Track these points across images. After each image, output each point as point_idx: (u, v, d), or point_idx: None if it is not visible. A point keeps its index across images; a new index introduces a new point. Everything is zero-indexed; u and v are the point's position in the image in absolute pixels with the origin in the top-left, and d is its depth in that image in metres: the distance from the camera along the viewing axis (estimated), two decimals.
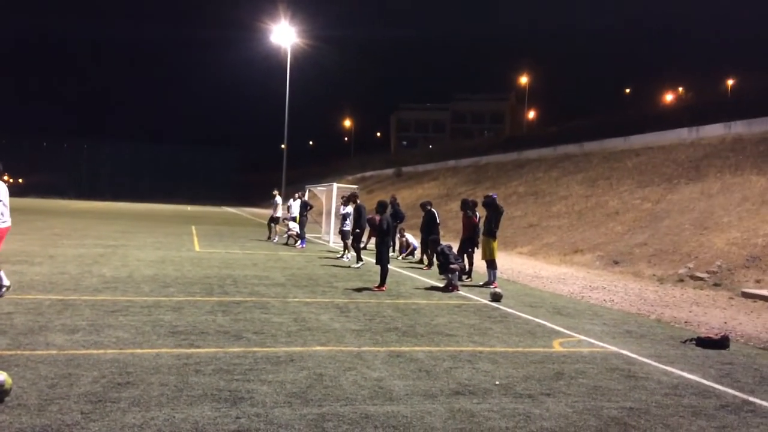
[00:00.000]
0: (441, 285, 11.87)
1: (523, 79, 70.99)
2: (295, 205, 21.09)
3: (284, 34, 48.16)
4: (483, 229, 12.81)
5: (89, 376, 5.09)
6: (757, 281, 12.33)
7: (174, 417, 4.28)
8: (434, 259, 14.14)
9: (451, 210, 29.65)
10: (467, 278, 13.06)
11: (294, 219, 20.87)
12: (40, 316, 7.28)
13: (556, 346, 7.24)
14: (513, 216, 24.91)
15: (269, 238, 22.28)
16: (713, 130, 25.02)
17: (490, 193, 13.39)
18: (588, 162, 30.01)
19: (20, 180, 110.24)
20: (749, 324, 9.31)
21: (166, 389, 4.85)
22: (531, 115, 74.91)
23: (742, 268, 13.09)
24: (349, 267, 14.61)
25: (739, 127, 23.76)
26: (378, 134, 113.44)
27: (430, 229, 15.22)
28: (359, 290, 10.92)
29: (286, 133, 50.22)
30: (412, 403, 4.87)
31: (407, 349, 6.69)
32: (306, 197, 21.91)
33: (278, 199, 22.69)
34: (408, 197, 38.79)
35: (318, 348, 6.49)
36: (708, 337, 7.67)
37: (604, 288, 12.82)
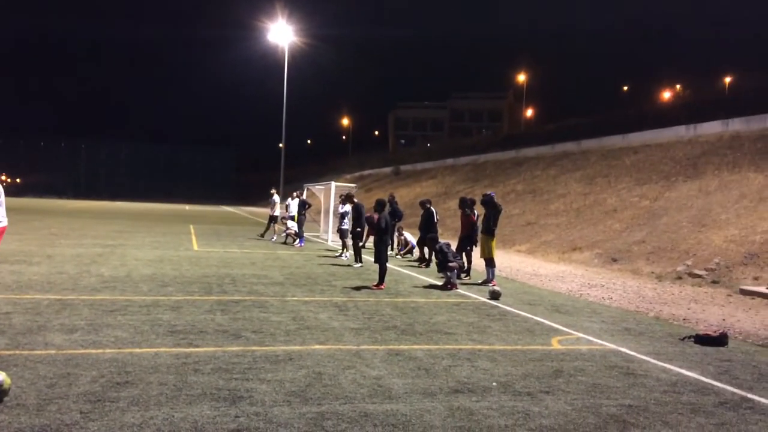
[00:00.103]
0: (440, 283, 11.87)
1: (521, 77, 71.02)
2: (294, 204, 21.10)
3: (282, 33, 48.16)
4: (482, 228, 12.82)
5: (88, 375, 5.08)
6: (755, 278, 12.35)
7: (173, 416, 4.28)
8: (433, 257, 14.15)
9: (449, 208, 29.66)
10: (466, 276, 13.07)
11: (292, 218, 20.88)
12: (38, 316, 7.27)
13: (555, 344, 7.24)
14: (511, 214, 24.92)
15: (262, 235, 22.32)
16: (711, 128, 25.04)
17: (489, 192, 13.40)
18: (586, 160, 30.03)
19: (18, 180, 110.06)
20: (747, 321, 9.32)
21: (165, 388, 4.85)
22: (529, 113, 74.89)
23: (740, 265, 13.11)
24: (350, 266, 14.60)
25: (736, 125, 23.79)
26: (376, 133, 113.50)
27: (428, 228, 15.23)
28: (358, 289, 10.92)
29: (284, 132, 50.21)
30: (411, 401, 4.88)
31: (406, 347, 6.69)
32: (304, 196, 21.91)
33: (276, 197, 22.68)
34: (406, 196, 38.79)
35: (317, 347, 6.49)
36: (706, 334, 7.68)
37: (603, 285, 12.83)
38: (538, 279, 13.76)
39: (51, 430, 3.94)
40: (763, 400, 5.38)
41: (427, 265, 15.06)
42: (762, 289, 11.52)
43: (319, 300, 9.54)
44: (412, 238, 18.04)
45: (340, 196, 17.50)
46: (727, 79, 49.85)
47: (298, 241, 20.02)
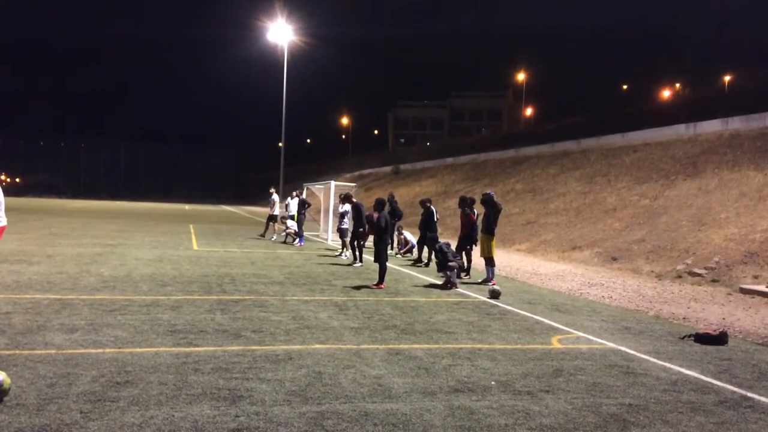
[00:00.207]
0: (439, 282, 11.87)
1: (521, 77, 70.99)
2: (293, 204, 21.10)
3: (281, 33, 48.13)
4: (482, 227, 12.82)
5: (88, 375, 5.08)
6: (755, 277, 12.35)
7: (173, 416, 4.28)
8: (432, 256, 14.15)
9: (449, 207, 29.67)
10: (466, 276, 13.06)
11: (292, 217, 20.87)
12: (38, 316, 7.27)
13: (555, 343, 7.24)
14: (511, 213, 24.92)
15: (263, 234, 22.30)
16: (711, 126, 25.04)
17: (488, 191, 13.39)
18: (586, 159, 30.03)
19: (17, 179, 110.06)
20: (747, 320, 9.33)
21: (165, 388, 4.85)
22: (528, 112, 74.88)
23: (739, 264, 13.11)
24: (350, 265, 14.59)
25: (736, 123, 23.79)
26: (376, 132, 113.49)
27: (428, 227, 15.23)
28: (358, 288, 10.92)
29: (283, 131, 50.20)
30: (411, 400, 4.88)
31: (406, 346, 6.69)
32: (304, 195, 21.90)
33: (275, 197, 22.66)
34: (406, 195, 38.79)
35: (317, 346, 6.49)
36: (706, 333, 7.69)
37: (603, 284, 12.83)
38: (537, 278, 13.76)
39: (51, 429, 3.94)
40: (762, 398, 5.38)
41: (427, 265, 15.06)
42: (762, 287, 11.52)
43: (319, 299, 9.55)
44: (412, 237, 18.04)
45: (340, 196, 17.50)
46: (727, 78, 49.82)
47: (297, 240, 20.02)
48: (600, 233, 18.92)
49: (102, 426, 4.04)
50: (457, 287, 11.41)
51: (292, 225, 20.55)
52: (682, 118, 27.54)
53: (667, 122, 27.99)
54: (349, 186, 23.39)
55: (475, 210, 13.72)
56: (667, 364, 6.43)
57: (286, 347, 6.38)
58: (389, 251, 14.42)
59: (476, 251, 13.50)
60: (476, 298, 10.48)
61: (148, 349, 6.00)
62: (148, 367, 5.41)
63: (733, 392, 5.54)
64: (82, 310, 7.78)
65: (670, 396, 5.33)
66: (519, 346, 6.97)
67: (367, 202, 20.39)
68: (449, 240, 14.86)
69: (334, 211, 21.02)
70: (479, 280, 12.55)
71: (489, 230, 12.51)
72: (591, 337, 7.64)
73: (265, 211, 25.60)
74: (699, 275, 13.19)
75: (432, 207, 15.61)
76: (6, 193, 5.58)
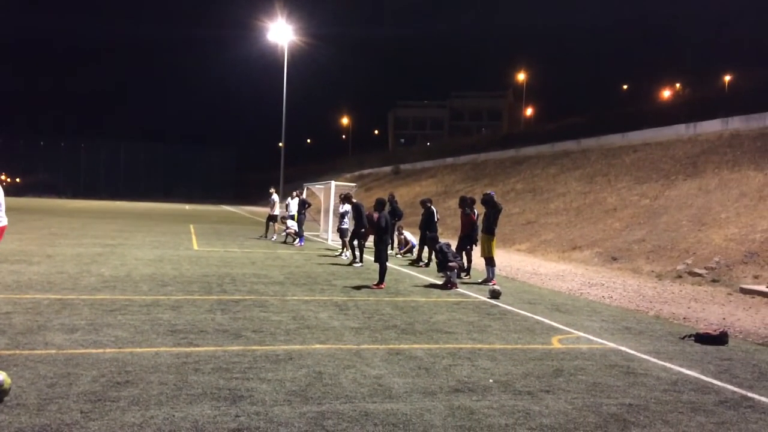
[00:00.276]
0: (440, 282, 11.87)
1: (521, 76, 70.99)
2: (294, 204, 21.09)
3: (281, 33, 48.14)
4: (482, 227, 12.81)
5: (88, 375, 5.08)
6: (755, 277, 12.35)
7: (174, 416, 4.28)
8: (433, 256, 14.15)
9: (449, 207, 29.67)
10: (466, 276, 13.06)
11: (292, 217, 20.87)
12: (38, 316, 7.27)
13: (555, 343, 7.24)
14: (511, 213, 24.92)
15: (265, 236, 22.26)
16: (711, 126, 25.04)
17: (489, 191, 13.39)
18: (586, 159, 30.03)
19: (18, 179, 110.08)
20: (747, 320, 9.33)
21: (166, 388, 4.85)
22: (529, 112, 74.89)
23: (740, 264, 13.11)
24: (350, 265, 14.59)
25: (736, 123, 23.79)
26: (376, 132, 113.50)
27: (428, 227, 15.22)
28: (358, 288, 10.92)
29: (283, 131, 50.22)
30: (411, 400, 4.88)
31: (406, 346, 6.69)
32: (304, 195, 21.90)
33: (275, 197, 22.64)
34: (406, 195, 38.79)
35: (317, 346, 6.49)
36: (707, 333, 7.69)
37: (603, 284, 12.83)
38: (538, 278, 13.76)
39: (51, 429, 3.94)
40: (763, 398, 5.38)
41: (427, 265, 15.06)
42: (762, 287, 11.52)
43: (320, 299, 9.55)
44: (412, 237, 18.04)
45: (340, 196, 17.51)
46: (727, 78, 49.82)
47: (298, 240, 20.02)
48: (600, 233, 18.92)
49: (102, 426, 4.04)
50: (457, 287, 11.41)
51: (293, 225, 20.55)
52: (682, 118, 27.54)
53: (667, 122, 28.00)
54: (349, 186, 23.39)
55: (475, 210, 13.72)
56: (668, 364, 6.43)
57: (286, 347, 6.38)
58: (389, 251, 14.42)
59: (476, 251, 13.50)
60: (476, 298, 10.48)
61: (149, 349, 6.00)
62: (148, 367, 5.41)
63: (734, 392, 5.54)
64: (83, 310, 7.78)
65: (671, 396, 5.33)
66: (519, 346, 6.97)
67: (368, 202, 20.40)
68: (449, 240, 14.86)
69: (334, 211, 21.02)
70: (479, 280, 12.55)
71: (489, 230, 12.51)
72: (591, 337, 7.64)
73: (265, 211, 25.56)
74: (699, 275, 13.19)
75: (432, 207, 15.60)
76: (6, 193, 5.58)
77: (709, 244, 14.66)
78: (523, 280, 13.35)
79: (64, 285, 9.64)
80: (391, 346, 6.68)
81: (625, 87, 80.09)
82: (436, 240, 13.42)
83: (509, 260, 17.12)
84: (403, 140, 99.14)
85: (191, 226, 27.55)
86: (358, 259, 14.69)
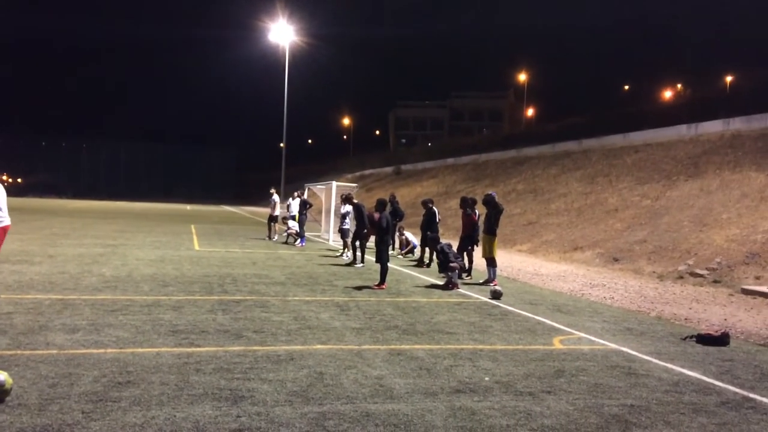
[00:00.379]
0: (441, 283, 11.87)
1: (522, 77, 70.99)
2: (295, 204, 21.09)
3: (282, 33, 48.17)
4: (484, 227, 12.80)
5: (90, 375, 5.08)
6: (757, 278, 12.34)
7: (175, 416, 4.28)
8: (434, 257, 14.14)
9: (450, 208, 29.65)
10: (467, 276, 13.06)
11: (293, 217, 20.86)
12: (40, 316, 7.27)
13: (557, 344, 7.24)
14: (512, 213, 24.91)
15: (269, 237, 22.23)
16: (712, 127, 25.02)
17: (490, 191, 13.39)
18: (587, 159, 30.01)
19: (19, 180, 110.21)
20: (749, 320, 9.32)
21: (167, 388, 4.85)
22: (530, 112, 74.88)
23: (741, 264, 13.10)
24: (351, 265, 14.58)
25: (737, 124, 23.77)
26: (377, 132, 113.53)
27: (430, 227, 15.22)
28: (359, 288, 10.92)
29: (284, 131, 50.26)
30: (412, 401, 4.87)
31: (407, 347, 6.69)
32: (305, 196, 21.89)
33: (276, 197, 22.63)
34: (407, 195, 38.79)
35: (318, 346, 6.49)
36: (708, 333, 7.68)
37: (604, 285, 12.82)
38: (539, 279, 13.75)
39: (53, 429, 3.94)
40: (764, 399, 5.37)
41: (428, 266, 15.05)
42: (764, 288, 11.50)
43: (321, 300, 9.54)
44: (413, 237, 18.04)
45: (341, 196, 17.51)
46: (728, 78, 49.80)
47: (299, 240, 20.02)
48: (601, 234, 18.91)
49: (104, 426, 4.04)
50: (458, 288, 11.41)
51: (294, 225, 20.55)
52: (684, 118, 27.51)
53: (669, 123, 27.97)
54: (350, 186, 23.39)
55: (476, 210, 13.71)
56: (669, 365, 6.42)
57: (287, 348, 6.37)
58: (390, 252, 14.41)
59: (478, 252, 13.50)
60: (478, 298, 10.47)
61: (150, 350, 6.00)
62: (149, 367, 5.41)
63: (735, 393, 5.53)
64: (84, 310, 7.79)
65: (672, 397, 5.32)
66: (520, 347, 6.97)
67: (369, 203, 20.40)
68: (450, 240, 14.86)
69: (335, 211, 21.01)
70: (481, 281, 12.54)
71: (491, 231, 12.50)
72: (593, 338, 7.64)
73: (266, 211, 25.56)
74: (701, 276, 13.17)
75: (434, 207, 15.60)
76: (7, 194, 5.59)
77: (711, 244, 14.65)
78: (524, 281, 13.35)
79: (66, 285, 9.65)
80: (393, 346, 6.68)
81: (626, 87, 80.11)
82: (437, 240, 13.44)
83: (510, 261, 17.11)
84: (404, 140, 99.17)
85: (192, 227, 27.56)
86: (359, 260, 14.69)
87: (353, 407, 4.65)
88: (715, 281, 12.73)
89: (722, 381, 5.90)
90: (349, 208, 16.23)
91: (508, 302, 10.11)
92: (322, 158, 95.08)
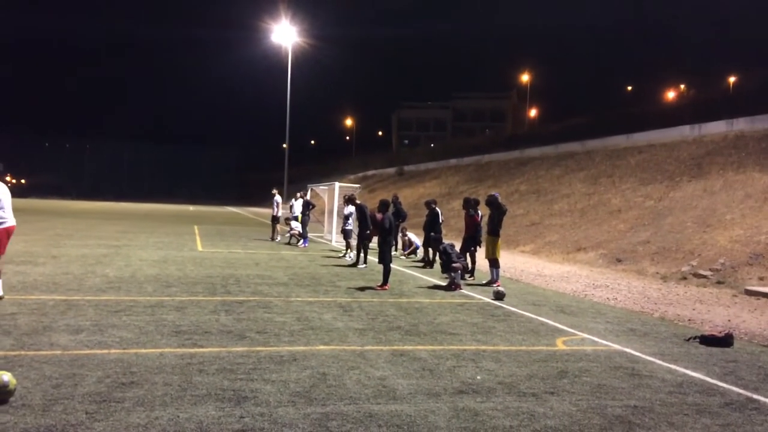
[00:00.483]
0: (444, 284, 11.86)
1: (525, 77, 70.94)
2: (298, 205, 21.09)
3: (285, 34, 48.21)
4: (487, 228, 12.79)
5: (93, 376, 5.09)
6: (761, 279, 12.31)
7: (178, 416, 4.28)
8: (437, 257, 14.13)
9: (453, 209, 29.63)
10: (470, 277, 13.06)
11: (296, 218, 20.87)
12: (43, 317, 7.29)
13: (560, 345, 7.23)
14: (515, 214, 24.89)
15: (272, 238, 22.23)
16: (716, 128, 24.98)
17: (493, 192, 13.38)
18: (590, 160, 29.98)
19: (23, 181, 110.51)
20: (753, 321, 9.29)
21: (170, 389, 4.86)
22: (533, 113, 74.82)
23: (745, 265, 13.06)
24: (354, 266, 14.58)
25: (741, 125, 23.72)
26: (380, 133, 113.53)
27: (433, 228, 15.22)
28: (362, 289, 10.92)
29: (287, 132, 50.31)
30: (415, 401, 4.87)
31: (410, 348, 6.69)
32: (308, 196, 21.90)
33: (278, 198, 22.64)
34: (410, 196, 38.79)
35: (321, 347, 6.49)
36: (712, 334, 7.66)
37: (607, 286, 12.80)
38: (542, 279, 13.74)
39: (57, 430, 3.95)
40: None
41: (431, 266, 15.05)
42: (767, 289, 11.47)
43: (324, 300, 9.55)
44: (416, 238, 18.03)
45: (344, 197, 17.52)
46: (732, 79, 49.69)
47: (302, 241, 20.02)
48: (605, 234, 18.88)
49: (107, 426, 4.05)
50: (461, 288, 11.40)
51: (297, 226, 20.56)
52: (687, 119, 27.47)
53: (672, 123, 27.93)
54: (353, 187, 23.39)
55: (479, 211, 13.70)
56: (673, 366, 6.41)
57: (290, 348, 6.38)
58: (393, 252, 14.41)
59: (480, 252, 13.48)
60: (480, 299, 10.47)
61: (153, 350, 6.01)
62: (153, 367, 5.42)
63: (739, 394, 5.52)
64: (88, 310, 7.80)
65: (676, 398, 5.31)
66: (523, 348, 6.96)
67: (371, 204, 20.37)
68: (453, 241, 14.85)
69: (338, 212, 21.01)
70: (484, 282, 12.53)
71: (494, 232, 12.49)
72: (596, 339, 7.62)
73: (269, 212, 25.57)
74: (704, 277, 13.15)
75: (437, 208, 15.60)
76: (11, 195, 5.60)
77: (714, 245, 14.61)
78: (527, 282, 13.33)
79: (69, 286, 9.67)
80: (395, 347, 6.68)
81: (629, 88, 79.94)
82: (440, 241, 13.43)
83: (513, 261, 17.10)
84: (406, 141, 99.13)
85: (195, 227, 27.60)
86: (362, 261, 14.69)
87: (356, 408, 4.66)
88: (719, 282, 12.70)
89: (726, 382, 5.89)
90: (351, 208, 16.24)
91: (511, 303, 10.10)
92: (324, 159, 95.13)
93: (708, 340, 7.54)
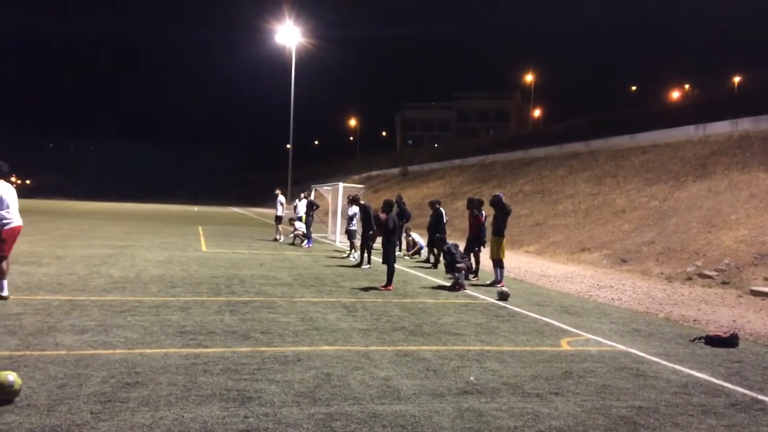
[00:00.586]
0: (448, 284, 11.86)
1: (529, 78, 70.87)
2: (301, 205, 21.11)
3: (289, 34, 48.29)
4: (492, 229, 12.77)
5: (98, 376, 5.11)
6: (766, 279, 12.26)
7: (183, 416, 4.29)
8: (441, 258, 14.13)
9: (457, 209, 29.62)
10: (474, 277, 13.04)
11: (300, 219, 20.88)
12: (48, 317, 7.31)
13: (564, 345, 7.22)
14: (519, 214, 24.85)
15: (277, 239, 22.26)
16: (720, 128, 24.89)
17: (497, 192, 13.37)
18: (594, 160, 29.92)
19: (27, 181, 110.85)
20: (758, 322, 9.26)
21: (175, 389, 4.86)
22: (537, 113, 74.73)
23: (750, 266, 13.02)
24: (358, 266, 14.58)
25: (746, 124, 23.64)
26: (383, 133, 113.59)
27: (437, 228, 15.21)
28: (366, 290, 10.92)
29: (291, 132, 50.37)
30: (420, 402, 4.87)
31: (414, 348, 6.68)
32: (312, 197, 21.91)
33: (281, 198, 22.66)
34: (414, 196, 38.77)
35: (325, 347, 6.50)
36: (717, 335, 7.64)
37: (612, 286, 12.78)
38: (546, 280, 13.72)
39: (62, 430, 3.97)
40: None
41: (435, 266, 15.04)
42: None
43: (328, 301, 9.55)
44: (420, 238, 18.03)
45: (348, 197, 17.54)
46: (736, 79, 49.58)
47: (306, 242, 20.04)
48: (609, 235, 18.84)
49: (112, 426, 4.06)
50: (465, 289, 11.39)
51: (301, 227, 20.57)
52: (692, 119, 27.39)
53: (676, 123, 27.85)
54: (357, 188, 23.40)
55: (483, 212, 13.69)
56: (678, 367, 6.39)
57: (294, 348, 6.38)
58: (397, 253, 14.41)
59: (484, 253, 13.47)
60: (485, 299, 10.46)
61: (158, 350, 6.02)
62: (157, 368, 5.43)
63: (744, 395, 5.50)
64: (92, 311, 7.82)
65: (681, 399, 5.30)
66: (528, 348, 6.95)
67: (375, 204, 20.39)
68: (457, 241, 14.84)
69: (342, 212, 21.02)
70: (488, 282, 12.52)
71: (499, 232, 12.47)
72: (600, 339, 7.61)
73: (273, 212, 25.60)
74: (709, 277, 13.10)
75: (441, 209, 15.59)
76: (17, 195, 5.61)
77: (719, 245, 14.57)
78: (531, 282, 13.31)
79: (74, 286, 9.70)
80: (400, 347, 6.68)
81: (633, 88, 79.81)
82: (444, 241, 13.42)
83: (518, 262, 17.08)
84: (410, 142, 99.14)
85: (200, 228, 27.65)
86: (366, 261, 14.69)
87: (360, 408, 4.66)
88: (724, 282, 12.65)
89: (731, 383, 5.87)
90: (355, 209, 16.24)
91: (516, 303, 10.09)
92: (328, 159, 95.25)
93: (713, 341, 7.52)
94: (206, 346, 6.27)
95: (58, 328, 6.78)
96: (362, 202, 15.91)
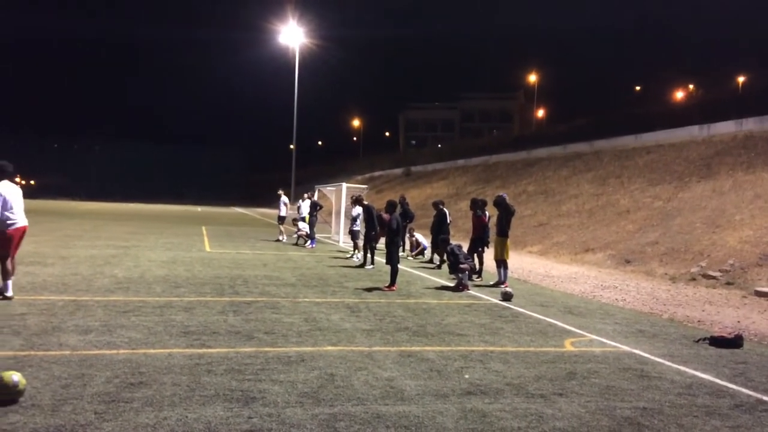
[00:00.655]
0: (451, 284, 11.85)
1: (532, 78, 70.79)
2: (305, 205, 21.12)
3: (292, 35, 48.33)
4: (496, 229, 12.75)
5: (102, 376, 5.12)
6: None
7: (187, 417, 4.30)
8: (444, 258, 14.12)
9: (460, 209, 29.59)
10: (477, 278, 13.03)
11: (303, 219, 20.90)
12: (53, 317, 7.33)
13: (568, 346, 7.20)
14: (523, 215, 24.82)
15: (278, 239, 22.27)
16: (725, 128, 24.81)
17: (501, 193, 13.35)
18: (598, 160, 29.86)
19: (32, 182, 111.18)
20: (763, 323, 9.23)
21: (179, 389, 4.87)
22: (540, 113, 74.63)
23: (755, 266, 12.97)
24: (362, 267, 14.58)
25: (750, 125, 23.56)
26: (387, 134, 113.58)
27: (440, 229, 15.20)
28: (369, 290, 10.92)
29: (294, 133, 50.42)
30: (423, 402, 4.87)
31: (418, 348, 6.68)
32: (315, 197, 21.92)
33: (284, 198, 22.68)
34: (417, 197, 38.75)
35: (329, 348, 6.50)
36: (721, 336, 7.61)
37: (616, 287, 12.75)
38: (550, 280, 13.70)
39: (66, 430, 3.97)
40: None
41: (439, 267, 15.04)
42: None
43: (331, 301, 9.55)
44: (423, 239, 18.02)
45: (352, 198, 17.54)
46: (741, 79, 49.40)
47: (309, 242, 20.04)
48: (613, 235, 18.81)
49: (116, 427, 4.07)
50: (468, 289, 11.38)
51: (304, 227, 20.58)
52: (696, 119, 27.30)
53: (681, 123, 27.77)
54: (360, 188, 23.40)
55: (486, 212, 13.67)
56: (682, 368, 6.37)
57: (298, 349, 6.39)
58: (401, 253, 14.41)
59: (488, 253, 13.45)
60: (488, 300, 10.45)
61: (162, 351, 6.03)
62: (161, 368, 5.43)
63: (749, 396, 5.49)
64: (96, 311, 7.84)
65: (685, 400, 5.28)
66: (532, 349, 6.94)
67: (379, 204, 20.38)
68: (461, 242, 14.83)
69: (345, 213, 21.02)
70: (491, 283, 12.50)
71: (503, 233, 12.46)
72: (604, 340, 7.59)
73: (276, 213, 25.63)
74: (713, 278, 13.07)
75: (444, 209, 15.58)
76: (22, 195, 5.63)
77: (724, 246, 14.52)
78: (535, 283, 13.30)
79: (78, 286, 9.72)
80: (403, 348, 6.68)
81: (637, 88, 79.62)
82: (447, 241, 13.41)
83: (521, 262, 17.06)
84: (413, 142, 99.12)
85: (203, 228, 27.68)
86: (369, 262, 14.68)
87: (364, 408, 4.66)
88: (728, 283, 12.62)
89: (736, 384, 5.85)
90: (359, 209, 16.24)
91: (519, 304, 10.08)
92: (332, 160, 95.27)
93: (717, 342, 7.50)
94: (210, 347, 6.28)
95: (63, 328, 6.79)
96: (365, 202, 15.92)
